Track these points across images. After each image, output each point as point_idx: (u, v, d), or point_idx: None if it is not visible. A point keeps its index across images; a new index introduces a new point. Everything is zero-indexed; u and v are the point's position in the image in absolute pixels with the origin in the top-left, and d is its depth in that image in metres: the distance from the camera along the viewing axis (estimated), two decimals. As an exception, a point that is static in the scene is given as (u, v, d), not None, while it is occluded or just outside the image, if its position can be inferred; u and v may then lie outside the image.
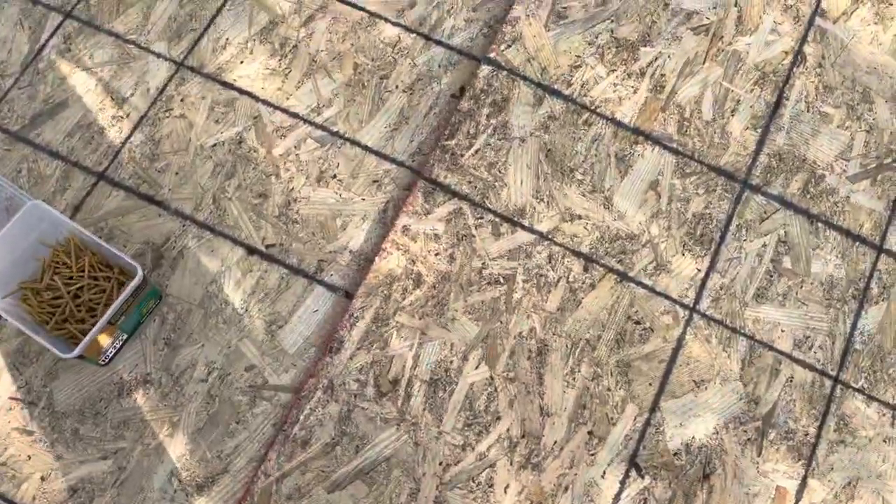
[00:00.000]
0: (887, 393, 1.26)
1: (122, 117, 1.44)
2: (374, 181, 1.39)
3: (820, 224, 1.34)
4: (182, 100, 1.45)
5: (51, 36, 1.50)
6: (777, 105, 1.41)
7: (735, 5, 1.47)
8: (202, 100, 1.45)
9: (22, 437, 1.25)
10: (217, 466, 1.23)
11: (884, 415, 1.25)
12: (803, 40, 1.45)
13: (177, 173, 1.40)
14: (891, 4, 1.48)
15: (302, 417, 1.23)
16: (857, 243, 1.33)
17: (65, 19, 1.51)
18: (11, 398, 1.27)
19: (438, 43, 1.48)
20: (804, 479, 1.22)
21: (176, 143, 1.42)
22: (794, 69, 1.43)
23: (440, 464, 1.22)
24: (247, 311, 1.31)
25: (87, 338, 1.14)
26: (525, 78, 1.42)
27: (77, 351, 1.14)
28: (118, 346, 1.26)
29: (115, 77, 1.47)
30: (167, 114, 1.44)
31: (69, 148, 1.42)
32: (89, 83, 1.46)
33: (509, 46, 1.44)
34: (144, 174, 1.40)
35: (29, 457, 1.24)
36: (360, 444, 1.22)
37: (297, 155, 1.41)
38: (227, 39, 1.49)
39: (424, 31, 1.49)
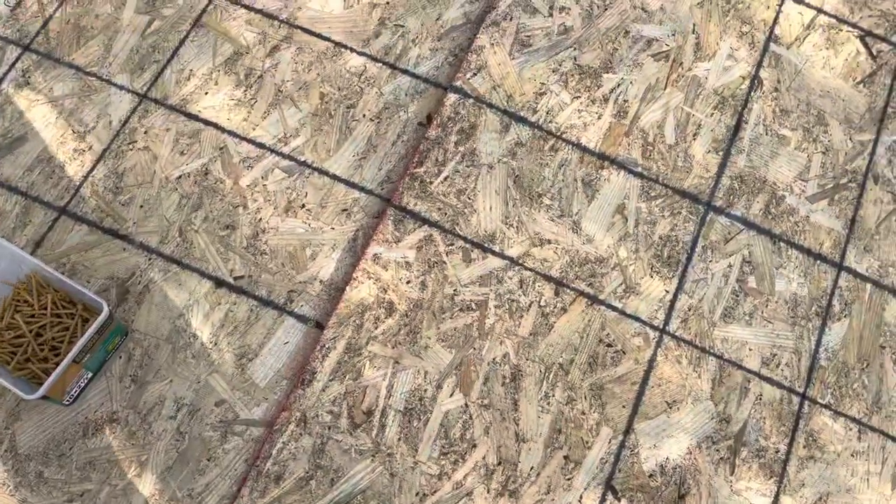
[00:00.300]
0: (853, 408, 1.28)
1: (83, 151, 1.42)
2: (343, 210, 1.39)
3: (782, 244, 1.37)
4: (146, 132, 1.43)
5: (9, 69, 1.47)
6: (737, 128, 1.44)
7: (693, 32, 1.51)
8: (166, 132, 1.43)
9: (-18, 482, 1.21)
10: (188, 505, 1.20)
11: (850, 429, 1.27)
12: (759, 65, 1.49)
13: (141, 206, 1.38)
14: (840, 30, 1.53)
15: (275, 452, 1.21)
16: (819, 262, 1.36)
17: (23, 52, 1.49)
18: (-29, 442, 1.23)
19: (404, 72, 1.49)
20: (777, 495, 1.23)
21: (140, 175, 1.40)
22: (752, 93, 1.47)
23: (417, 494, 1.20)
24: (216, 344, 1.29)
25: (51, 378, 1.11)
26: (491, 105, 1.43)
27: (41, 392, 1.11)
28: (83, 384, 1.23)
29: (75, 110, 1.45)
30: (131, 146, 1.42)
31: (29, 183, 1.39)
32: (49, 117, 1.44)
33: (475, 74, 1.45)
34: (108, 208, 1.38)
35: (-10, 503, 1.20)
36: (334, 478, 1.21)
37: (264, 185, 1.40)
38: (191, 71, 1.48)
39: (390, 60, 1.50)
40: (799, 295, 1.34)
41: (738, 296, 1.34)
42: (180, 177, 1.40)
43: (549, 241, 1.35)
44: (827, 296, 1.35)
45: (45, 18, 1.51)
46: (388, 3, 1.54)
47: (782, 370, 1.30)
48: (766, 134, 1.44)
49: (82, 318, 1.24)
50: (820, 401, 1.28)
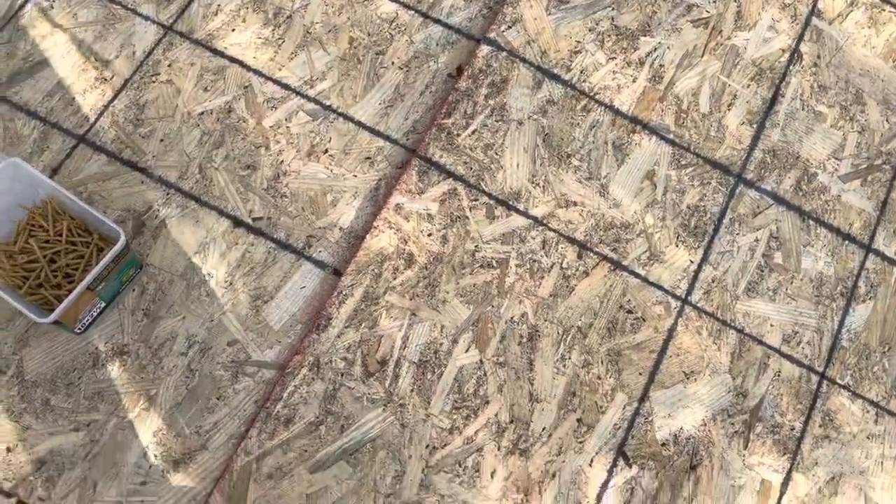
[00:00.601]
0: (872, 390, 1.26)
1: (105, 80, 1.38)
2: (367, 158, 1.36)
3: (811, 221, 1.35)
4: (170, 65, 1.40)
5: (33, -9, 1.44)
6: (773, 101, 1.41)
7: (734, 0, 1.47)
8: (191, 66, 1.40)
9: (-12, 406, 1.19)
10: (195, 442, 1.19)
11: (868, 412, 1.26)
12: (800, 39, 1.45)
13: (162, 140, 1.35)
14: (883, 10, 1.49)
15: (285, 395, 1.20)
16: (847, 242, 1.34)
17: (48, -25, 1.45)
18: (-22, 365, 1.21)
19: (437, 21, 1.45)
20: (789, 472, 1.22)
21: (162, 109, 1.37)
22: (791, 67, 1.43)
23: (427, 446, 1.19)
24: (231, 284, 1.27)
25: (66, 301, 1.09)
26: (524, 60, 1.40)
27: (54, 315, 1.09)
28: (95, 314, 1.21)
29: (99, 38, 1.41)
30: (153, 79, 1.39)
31: (48, 108, 1.36)
32: (72, 43, 1.40)
33: (510, 28, 1.42)
34: (128, 139, 1.35)
35: (-5, 427, 1.18)
36: (345, 424, 1.19)
37: (287, 127, 1.37)
38: (219, 6, 1.44)
39: (423, 8, 1.46)
40: (825, 274, 1.32)
41: (762, 271, 1.31)
42: (202, 113, 1.37)
43: (576, 203, 1.33)
44: (853, 276, 1.32)
45: (72, -58, 1.47)
46: (424, -50, 1.50)
47: (803, 348, 1.28)
48: (803, 109, 1.41)
49: (97, 247, 1.21)
50: (839, 381, 1.27)
